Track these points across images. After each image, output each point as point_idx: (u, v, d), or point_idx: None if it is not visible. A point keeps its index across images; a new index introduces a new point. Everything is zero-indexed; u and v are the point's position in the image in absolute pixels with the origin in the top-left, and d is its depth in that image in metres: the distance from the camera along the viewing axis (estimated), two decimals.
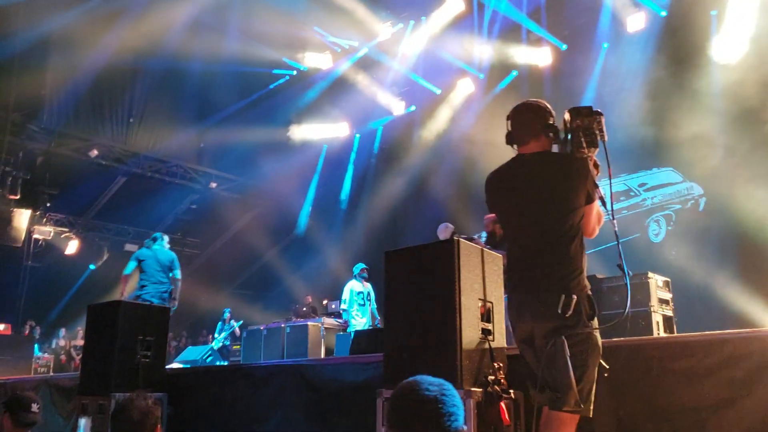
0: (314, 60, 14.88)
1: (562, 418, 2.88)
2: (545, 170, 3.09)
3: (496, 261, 3.61)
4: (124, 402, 2.80)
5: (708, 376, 3.04)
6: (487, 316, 3.49)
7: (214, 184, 16.22)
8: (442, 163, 13.69)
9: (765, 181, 9.44)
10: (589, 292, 3.00)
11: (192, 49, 13.47)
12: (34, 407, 4.19)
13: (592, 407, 2.91)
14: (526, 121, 3.24)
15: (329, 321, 10.29)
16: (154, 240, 8.49)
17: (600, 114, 3.06)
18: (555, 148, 3.23)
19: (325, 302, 11.34)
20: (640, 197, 12.10)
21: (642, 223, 11.90)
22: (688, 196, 11.45)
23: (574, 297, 2.88)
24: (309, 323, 10.04)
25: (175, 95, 14.83)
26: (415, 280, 3.51)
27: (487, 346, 3.39)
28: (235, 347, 12.04)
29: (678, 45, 11.25)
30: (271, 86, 15.56)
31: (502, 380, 3.32)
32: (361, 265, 10.10)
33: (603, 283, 6.96)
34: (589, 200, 3.02)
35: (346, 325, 9.90)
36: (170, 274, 8.36)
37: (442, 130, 14.17)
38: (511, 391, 3.31)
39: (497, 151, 12.57)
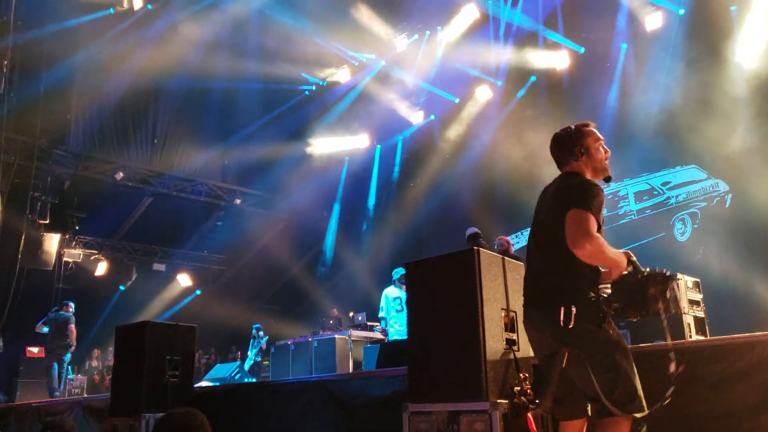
0: (333, 74, 15.01)
1: (605, 423, 2.87)
2: (554, 190, 3.16)
3: (518, 269, 3.59)
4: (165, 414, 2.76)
5: (739, 381, 2.97)
6: (510, 325, 3.47)
7: (238, 201, 16.38)
8: (465, 172, 13.67)
9: None
10: (596, 298, 2.97)
11: (213, 68, 13.67)
12: None
13: (644, 403, 2.86)
14: (554, 154, 3.35)
15: (356, 333, 10.27)
16: None
17: (673, 279, 3.07)
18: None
19: (351, 314, 11.34)
20: (664, 196, 11.94)
21: (667, 222, 11.75)
22: (714, 193, 11.26)
23: (574, 308, 2.86)
24: (336, 336, 10.01)
25: (198, 114, 15.05)
26: (436, 291, 3.50)
27: (511, 356, 3.37)
28: (265, 363, 12.10)
29: (698, 42, 11.12)
30: (292, 102, 15.72)
31: (528, 390, 3.29)
32: (401, 270, 9.51)
33: None
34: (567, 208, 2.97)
35: (385, 334, 9.68)
36: None
37: (462, 139, 14.16)
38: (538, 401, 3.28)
39: (519, 158, 12.62)
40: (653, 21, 11.48)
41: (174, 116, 14.91)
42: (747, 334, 3.17)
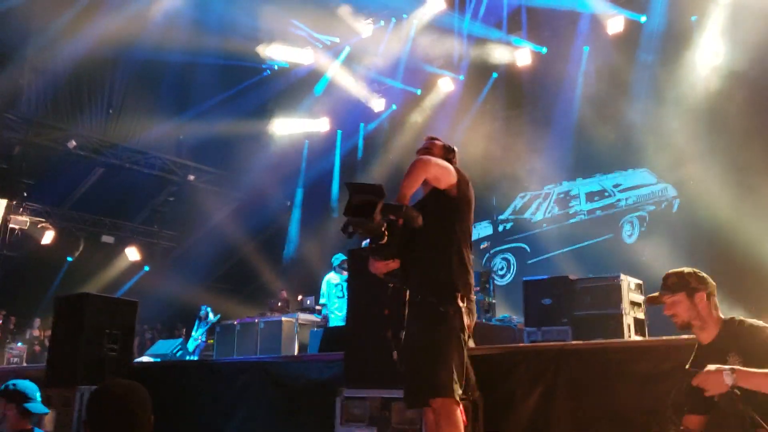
0: (295, 55, 14.83)
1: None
2: None
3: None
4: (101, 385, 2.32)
5: (665, 380, 3.09)
6: None
7: (192, 177, 16.13)
8: None
9: (737, 186, 9.59)
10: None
11: (172, 40, 13.36)
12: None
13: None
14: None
15: (304, 316, 10.24)
16: None
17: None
18: None
19: (300, 298, 11.31)
20: (615, 198, 12.23)
21: (616, 224, 12.04)
22: (662, 198, 11.59)
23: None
24: (283, 318, 9.98)
25: (155, 87, 14.73)
26: (374, 279, 3.52)
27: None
28: (209, 341, 11.99)
29: (658, 49, 11.38)
30: (252, 80, 15.50)
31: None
32: (341, 256, 9.68)
33: (576, 284, 7.02)
34: None
35: (325, 321, 9.72)
36: None
37: (422, 130, 14.21)
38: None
39: (477, 152, 12.69)
40: (615, 25, 11.67)
41: (130, 87, 14.56)
42: (675, 337, 3.29)
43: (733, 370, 2.74)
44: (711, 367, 2.78)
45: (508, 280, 13.17)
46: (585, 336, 6.45)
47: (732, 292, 8.74)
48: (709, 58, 10.46)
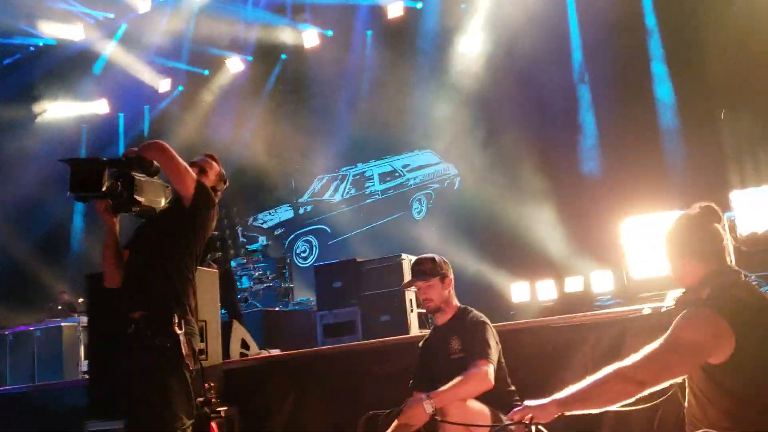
0: (63, 31, 13.37)
1: None
2: None
3: (208, 277, 3.51)
4: None
5: (402, 378, 3.26)
6: (201, 335, 3.39)
7: None
8: (213, 147, 13.26)
9: (503, 164, 10.55)
10: None
11: None
12: None
13: None
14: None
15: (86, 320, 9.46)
16: None
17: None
18: None
19: (81, 300, 10.41)
20: (405, 177, 12.88)
21: (406, 202, 12.68)
22: (445, 176, 12.41)
23: None
24: (63, 324, 9.15)
25: None
26: (112, 302, 3.28)
27: (198, 366, 3.30)
28: None
29: (433, 35, 11.99)
30: (12, 59, 13.76)
31: (213, 399, 3.27)
32: None
33: (363, 265, 7.28)
34: None
35: None
36: None
37: (210, 113, 13.73)
38: (223, 408, 3.28)
39: (266, 137, 12.50)
40: (394, 11, 12.05)
41: None
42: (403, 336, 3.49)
43: (428, 396, 2.97)
44: (410, 401, 3.00)
45: (311, 262, 13.30)
46: (373, 314, 6.77)
47: (498, 261, 9.73)
48: (476, 45, 11.27)
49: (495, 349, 3.27)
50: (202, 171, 3.49)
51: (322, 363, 3.17)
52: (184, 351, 2.90)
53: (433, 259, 3.55)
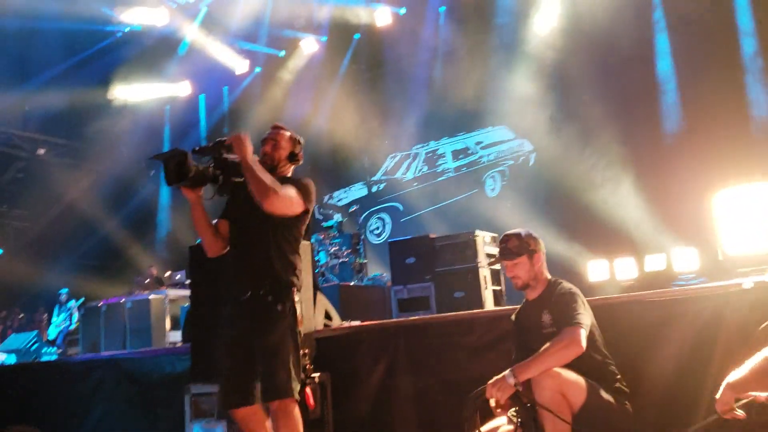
0: (148, 16, 13.91)
1: None
2: None
3: (302, 248, 3.66)
4: None
5: (490, 350, 3.31)
6: None
7: (42, 150, 14.94)
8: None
9: (581, 140, 10.30)
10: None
11: (5, 5, 12.15)
12: None
13: None
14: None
15: (174, 293, 9.93)
16: None
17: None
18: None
19: (168, 273, 10.93)
20: (478, 155, 12.77)
21: (480, 180, 12.59)
22: (520, 152, 12.22)
23: None
24: (152, 296, 9.63)
25: None
26: (215, 271, 3.47)
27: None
28: (75, 327, 11.36)
29: (507, 8, 11.77)
30: (102, 44, 14.41)
31: (307, 366, 3.41)
32: None
33: (436, 242, 7.33)
34: None
35: None
36: None
37: (287, 93, 13.99)
38: (317, 374, 3.42)
39: (343, 116, 12.63)
40: None
41: None
42: (497, 309, 3.53)
43: (511, 371, 2.98)
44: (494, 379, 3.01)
45: (384, 239, 13.45)
46: (447, 290, 6.83)
47: (575, 238, 9.56)
48: (552, 16, 10.99)
49: (586, 315, 3.18)
50: (275, 146, 3.59)
51: (410, 333, 3.26)
52: (299, 317, 3.08)
53: (519, 236, 3.49)
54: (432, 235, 7.42)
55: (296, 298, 3.14)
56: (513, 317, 3.40)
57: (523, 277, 3.41)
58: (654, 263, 7.30)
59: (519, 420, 2.92)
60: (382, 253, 11.64)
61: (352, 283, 9.92)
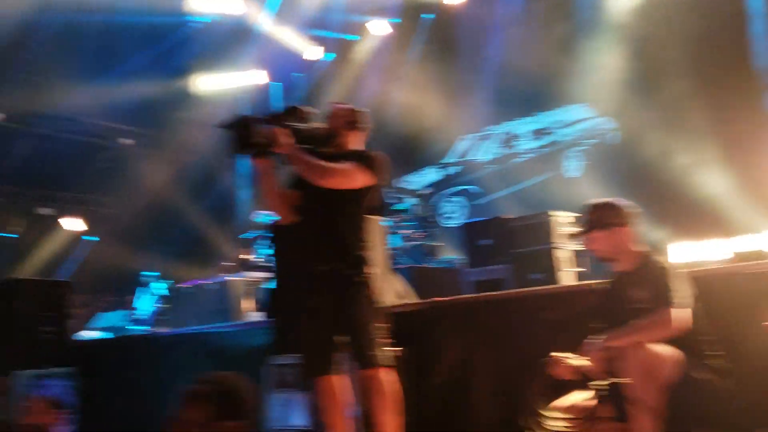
0: (224, 6, 14.25)
1: None
2: None
3: (376, 226, 3.63)
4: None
5: (573, 326, 3.18)
6: None
7: (127, 140, 15.60)
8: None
9: (670, 117, 9.82)
10: None
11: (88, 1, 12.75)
12: None
13: None
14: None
15: (253, 274, 10.19)
16: None
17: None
18: None
19: (247, 256, 11.21)
20: (556, 134, 12.39)
21: (559, 160, 12.23)
22: (601, 131, 11.78)
23: None
24: (230, 278, 9.92)
25: (77, 49, 13.99)
26: (293, 246, 3.48)
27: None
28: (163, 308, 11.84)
29: None
30: (180, 35, 14.87)
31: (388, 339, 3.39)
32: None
33: (510, 223, 7.23)
34: None
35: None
36: None
37: (360, 78, 14.02)
38: (396, 348, 3.39)
39: (413, 97, 12.60)
40: None
41: (51, 52, 13.79)
42: (585, 282, 3.39)
43: (601, 338, 2.84)
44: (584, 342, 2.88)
45: (457, 222, 13.33)
46: (523, 271, 6.70)
47: (660, 219, 9.13)
48: None
49: (682, 292, 3.03)
50: (329, 116, 3.56)
51: (489, 309, 3.18)
52: (375, 289, 3.08)
53: (599, 206, 3.34)
54: (505, 217, 7.33)
55: (371, 271, 3.13)
56: (599, 290, 3.27)
57: (601, 251, 3.27)
58: (745, 244, 6.94)
59: (602, 392, 2.81)
60: (454, 237, 11.57)
61: (425, 266, 9.89)
